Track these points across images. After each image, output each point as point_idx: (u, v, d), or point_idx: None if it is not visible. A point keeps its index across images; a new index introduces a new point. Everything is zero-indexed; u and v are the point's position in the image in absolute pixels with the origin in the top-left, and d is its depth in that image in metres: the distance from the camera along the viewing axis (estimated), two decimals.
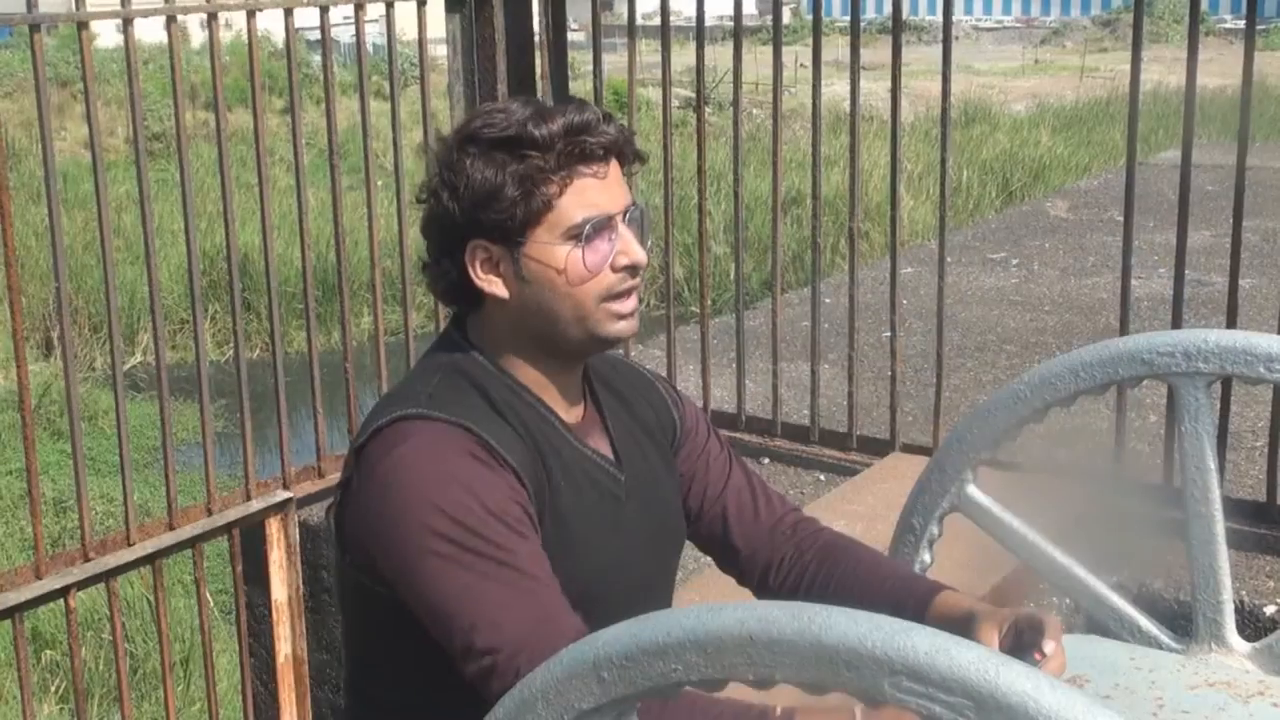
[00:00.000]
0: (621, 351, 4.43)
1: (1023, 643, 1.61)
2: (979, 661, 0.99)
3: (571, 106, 1.74)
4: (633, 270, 1.76)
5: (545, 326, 1.76)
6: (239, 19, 3.50)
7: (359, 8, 3.65)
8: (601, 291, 1.74)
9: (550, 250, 1.72)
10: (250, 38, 3.40)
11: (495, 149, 1.71)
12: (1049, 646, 1.58)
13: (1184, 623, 1.95)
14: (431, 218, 1.78)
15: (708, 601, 2.54)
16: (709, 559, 2.04)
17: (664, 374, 4.30)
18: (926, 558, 2.03)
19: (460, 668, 1.61)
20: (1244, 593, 3.16)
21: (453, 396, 1.74)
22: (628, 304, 1.77)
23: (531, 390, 1.79)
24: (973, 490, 2.00)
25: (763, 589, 1.95)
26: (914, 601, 1.78)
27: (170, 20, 3.21)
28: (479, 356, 1.79)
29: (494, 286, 1.75)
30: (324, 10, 3.54)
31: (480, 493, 1.66)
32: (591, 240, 1.72)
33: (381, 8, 3.82)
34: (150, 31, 3.15)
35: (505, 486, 1.69)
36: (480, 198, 1.71)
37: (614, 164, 1.76)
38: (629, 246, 1.75)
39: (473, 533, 1.63)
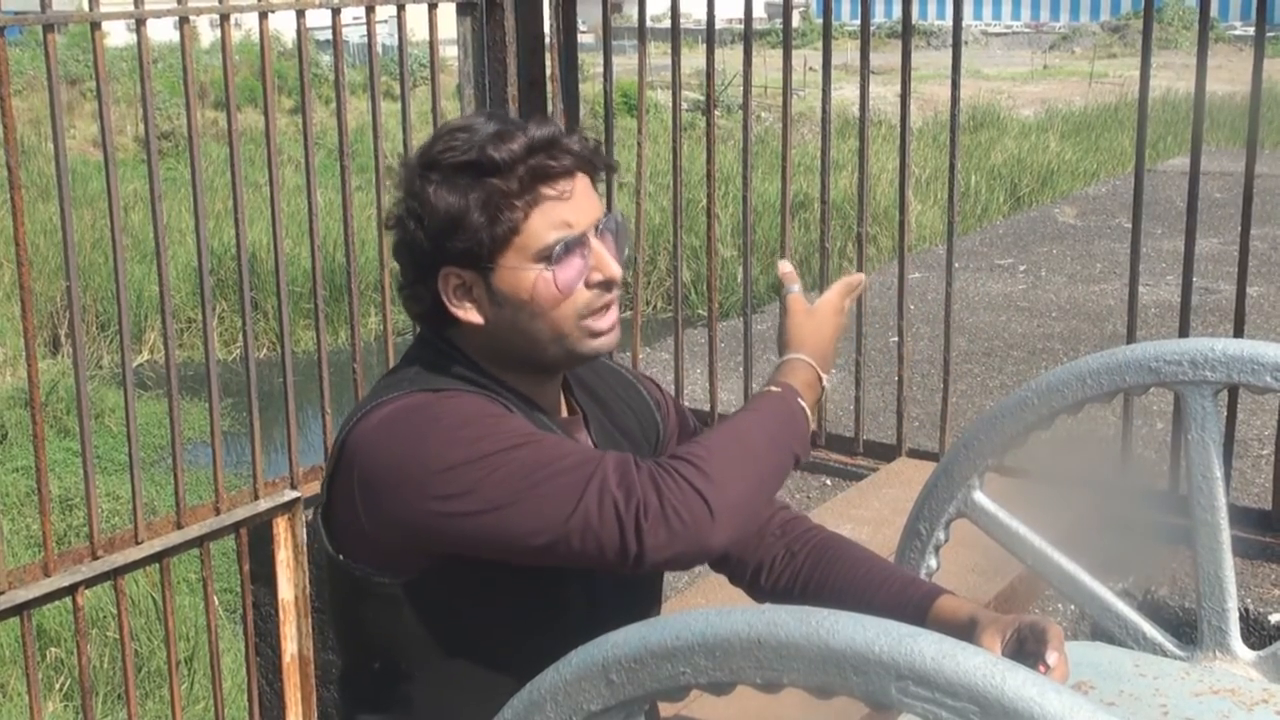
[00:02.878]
0: (629, 357, 4.45)
1: (1025, 650, 1.62)
2: (985, 667, 1.00)
3: (534, 122, 1.71)
4: (607, 285, 1.74)
5: (523, 346, 1.75)
6: (248, 18, 3.51)
7: (370, 10, 3.66)
8: (579, 309, 1.73)
9: (522, 274, 1.70)
10: (262, 39, 3.41)
11: (457, 174, 1.68)
12: (1052, 657, 1.58)
13: (1189, 630, 1.96)
14: (401, 244, 1.75)
15: (713, 605, 2.54)
16: None
17: (671, 377, 4.32)
18: (933, 563, 2.04)
19: (583, 543, 1.58)
20: (1249, 601, 3.17)
21: (433, 383, 1.74)
22: (606, 320, 1.76)
23: (516, 388, 1.79)
24: (979, 496, 2.01)
25: (755, 590, 1.94)
26: (913, 606, 1.77)
27: (183, 21, 3.22)
28: (457, 356, 1.78)
29: (469, 314, 1.74)
30: (335, 12, 3.55)
31: (475, 406, 1.68)
32: (563, 260, 1.70)
33: (392, 9, 3.83)
34: (159, 30, 3.16)
35: (500, 406, 1.71)
36: (445, 226, 1.68)
37: (582, 178, 1.73)
38: (602, 261, 1.73)
39: (486, 435, 1.62)
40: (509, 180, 1.67)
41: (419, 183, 1.70)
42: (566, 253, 1.70)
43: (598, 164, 1.76)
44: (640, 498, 1.55)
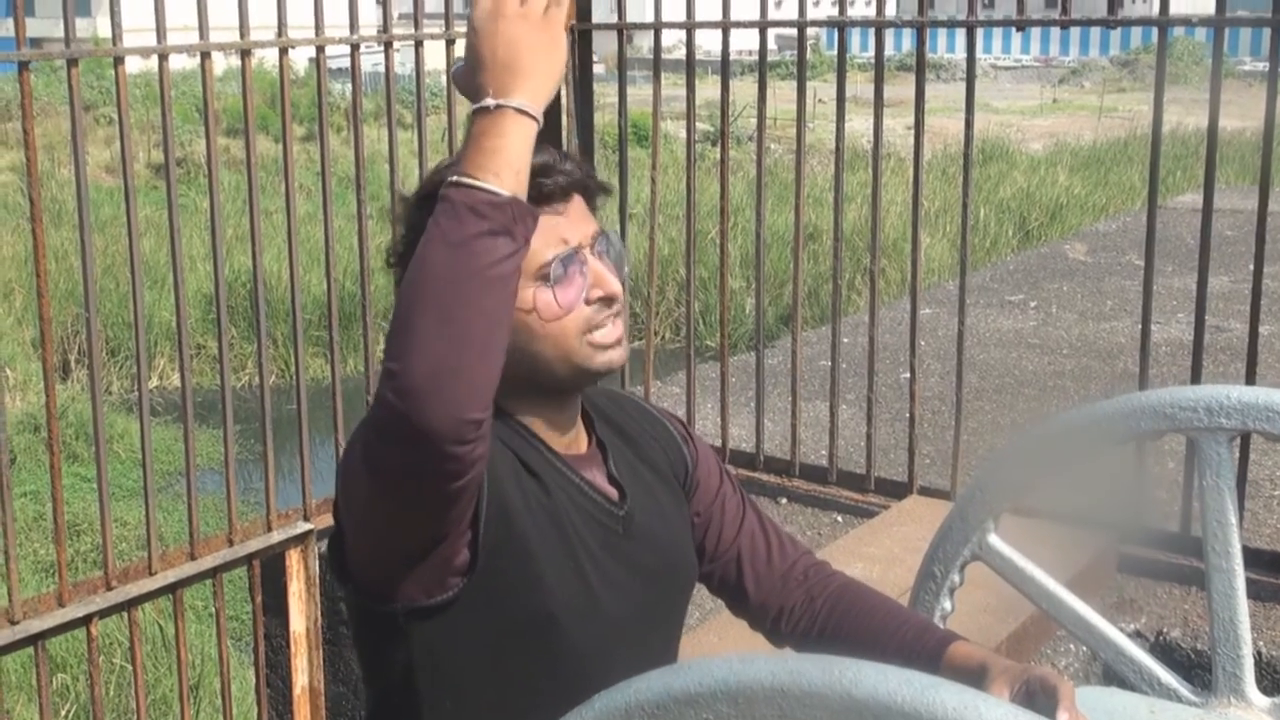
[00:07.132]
0: (641, 390, 4.45)
1: (1035, 705, 1.62)
2: (1005, 719, 1.01)
3: None
4: (608, 301, 1.76)
5: (530, 367, 1.75)
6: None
7: (388, 46, 3.68)
8: (580, 326, 1.74)
9: (522, 293, 1.70)
10: (282, 75, 3.43)
11: None
12: (1063, 718, 1.59)
13: (1202, 673, 1.96)
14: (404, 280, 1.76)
15: (726, 643, 2.54)
16: None
17: (683, 411, 4.32)
18: (947, 605, 2.04)
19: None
20: (1262, 644, 3.16)
21: None
22: (611, 333, 1.77)
23: (520, 420, 1.80)
24: (994, 540, 2.01)
25: (774, 634, 1.96)
26: (927, 652, 1.79)
27: (204, 57, 3.25)
28: None
29: None
30: (354, 48, 3.57)
31: None
32: (561, 278, 1.72)
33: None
34: (173, 57, 3.18)
35: None
36: None
37: (577, 199, 1.76)
38: (602, 278, 1.75)
39: None
40: None
41: (417, 214, 1.71)
42: (565, 270, 1.72)
43: (591, 185, 1.78)
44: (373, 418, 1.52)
